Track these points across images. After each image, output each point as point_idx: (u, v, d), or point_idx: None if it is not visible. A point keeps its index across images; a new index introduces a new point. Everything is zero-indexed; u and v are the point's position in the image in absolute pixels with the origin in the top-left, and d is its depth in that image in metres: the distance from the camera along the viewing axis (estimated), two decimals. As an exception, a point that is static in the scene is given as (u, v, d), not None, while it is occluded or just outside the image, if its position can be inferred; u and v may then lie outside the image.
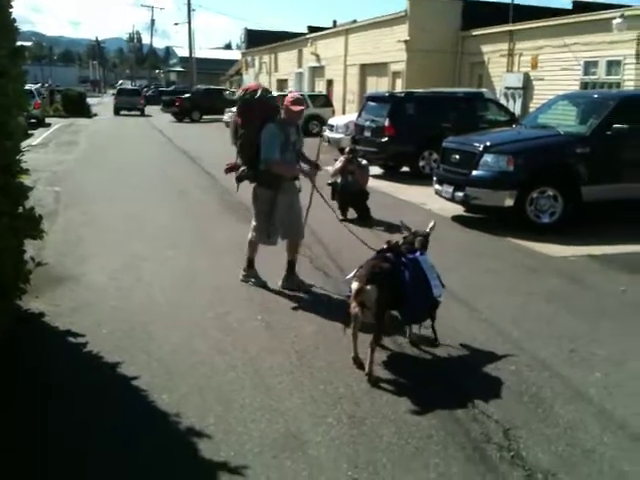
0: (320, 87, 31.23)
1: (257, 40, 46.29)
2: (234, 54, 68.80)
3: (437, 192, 8.97)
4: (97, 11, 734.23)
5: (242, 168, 5.29)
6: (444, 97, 13.92)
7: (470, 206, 8.51)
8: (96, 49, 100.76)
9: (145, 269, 6.00)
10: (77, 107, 32.93)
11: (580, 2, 25.14)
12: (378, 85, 24.53)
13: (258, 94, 5.12)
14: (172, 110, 31.78)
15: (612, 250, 6.89)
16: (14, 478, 2.84)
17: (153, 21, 71.79)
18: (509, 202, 7.72)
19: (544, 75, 17.84)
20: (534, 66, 18.29)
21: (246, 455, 2.98)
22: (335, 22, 39.34)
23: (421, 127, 12.54)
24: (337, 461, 2.95)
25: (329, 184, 8.51)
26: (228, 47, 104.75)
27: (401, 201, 10.15)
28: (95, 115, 34.13)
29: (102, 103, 48.38)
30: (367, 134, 13.25)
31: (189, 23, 45.90)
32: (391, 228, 7.23)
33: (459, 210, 8.80)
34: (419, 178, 12.00)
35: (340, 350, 4.10)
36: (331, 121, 17.84)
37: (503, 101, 17.97)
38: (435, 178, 9.11)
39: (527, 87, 18.39)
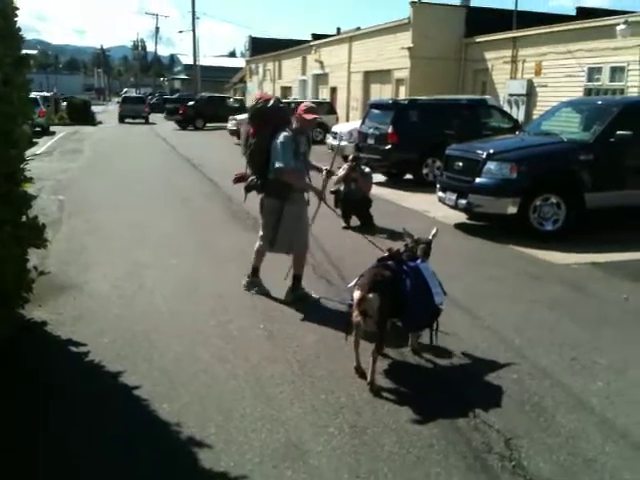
0: (324, 94, 31.34)
1: (261, 48, 46.59)
2: (238, 62, 69.27)
3: (440, 199, 8.97)
4: (102, 19, 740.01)
5: (251, 178, 5.30)
6: (447, 104, 13.92)
7: (473, 213, 8.49)
8: (101, 57, 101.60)
9: (148, 277, 6.01)
10: (82, 115, 33.06)
11: (584, 8, 25.24)
12: (382, 92, 24.57)
13: (271, 103, 5.14)
14: (176, 118, 31.78)
15: (615, 258, 6.87)
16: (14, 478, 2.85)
17: (158, 29, 72.86)
18: (512, 209, 7.71)
19: (548, 82, 17.83)
20: (538, 73, 18.28)
21: (246, 465, 2.97)
22: (339, 29, 39.66)
23: (424, 134, 12.55)
24: (338, 471, 2.94)
25: (332, 192, 8.52)
26: (232, 55, 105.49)
27: (404, 209, 10.14)
28: (100, 123, 34.29)
29: (107, 111, 48.63)
30: (370, 141, 13.26)
31: (193, 31, 46.34)
32: (394, 235, 7.21)
33: (462, 218, 8.79)
34: (422, 185, 12.01)
35: (342, 359, 4.09)
36: (335, 128, 17.85)
37: (507, 108, 18.00)
38: (438, 185, 9.12)
39: (531, 94, 18.36)
